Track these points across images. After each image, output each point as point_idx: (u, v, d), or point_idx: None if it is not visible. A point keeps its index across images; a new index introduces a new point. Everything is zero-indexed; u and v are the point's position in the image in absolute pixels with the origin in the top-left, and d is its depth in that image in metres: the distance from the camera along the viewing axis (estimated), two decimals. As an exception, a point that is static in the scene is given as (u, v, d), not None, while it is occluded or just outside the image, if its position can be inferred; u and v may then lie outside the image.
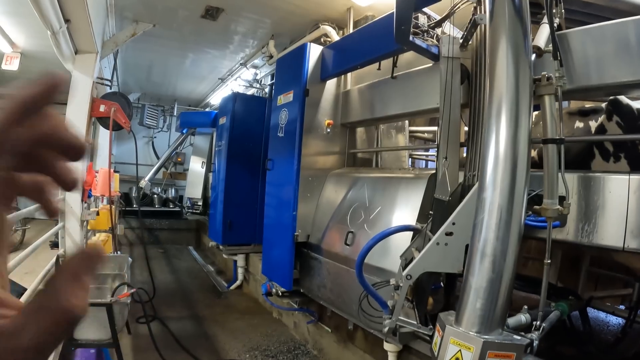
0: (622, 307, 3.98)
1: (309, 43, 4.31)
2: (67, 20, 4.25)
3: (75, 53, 5.24)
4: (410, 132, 5.01)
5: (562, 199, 2.11)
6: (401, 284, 2.29)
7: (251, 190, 6.20)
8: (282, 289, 4.25)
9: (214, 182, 6.96)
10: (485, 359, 1.56)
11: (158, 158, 10.49)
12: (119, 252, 5.13)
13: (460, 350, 1.62)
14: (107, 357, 3.26)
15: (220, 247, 6.28)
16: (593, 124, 2.94)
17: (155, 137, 11.70)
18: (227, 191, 6.23)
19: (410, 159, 5.53)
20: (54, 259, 3.97)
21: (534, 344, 1.72)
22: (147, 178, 9.46)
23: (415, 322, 2.41)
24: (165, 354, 3.66)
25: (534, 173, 2.14)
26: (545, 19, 2.41)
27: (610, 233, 2.08)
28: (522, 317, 2.04)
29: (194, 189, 8.43)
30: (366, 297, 2.85)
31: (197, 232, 9.60)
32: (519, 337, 1.65)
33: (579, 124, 3.08)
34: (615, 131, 2.62)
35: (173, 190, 10.57)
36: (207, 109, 10.06)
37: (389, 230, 2.66)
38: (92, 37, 4.85)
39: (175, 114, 11.23)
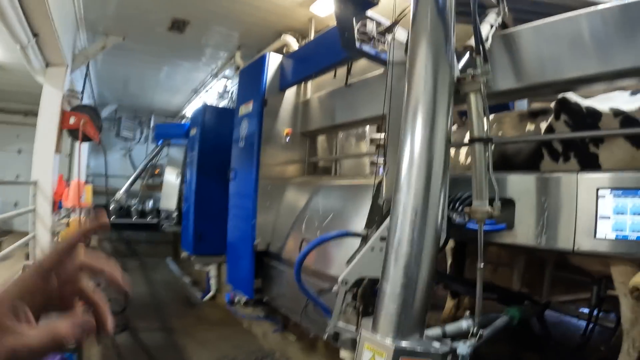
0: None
1: (268, 53, 4.37)
2: (35, 35, 4.30)
3: (46, 66, 5.26)
4: (375, 139, 5.04)
5: (509, 202, 2.11)
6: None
7: (221, 201, 6.15)
8: (245, 298, 4.25)
9: (186, 193, 6.96)
10: None
11: (135, 170, 10.43)
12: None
13: (373, 355, 1.63)
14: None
15: (192, 257, 6.25)
16: (544, 125, 2.91)
17: (132, 149, 11.66)
18: (197, 202, 6.23)
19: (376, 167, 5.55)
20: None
21: (462, 351, 1.71)
22: (122, 190, 9.40)
23: (353, 328, 2.40)
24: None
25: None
26: (488, 18, 2.43)
27: (560, 234, 2.02)
28: (464, 323, 2.03)
29: (169, 200, 8.36)
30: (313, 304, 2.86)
31: (174, 244, 9.51)
32: (437, 345, 1.65)
33: (530, 126, 3.06)
34: (563, 130, 2.52)
35: (151, 202, 10.48)
36: (182, 120, 10.05)
37: (328, 236, 2.68)
38: (61, 51, 4.91)
39: (152, 125, 11.22)
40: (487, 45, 2.23)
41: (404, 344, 1.60)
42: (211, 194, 6.21)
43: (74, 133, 5.80)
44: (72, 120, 5.65)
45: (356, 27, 2.82)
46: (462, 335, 1.92)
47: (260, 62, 4.38)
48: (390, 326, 1.66)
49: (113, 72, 7.94)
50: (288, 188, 4.30)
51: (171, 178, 8.50)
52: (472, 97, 2.02)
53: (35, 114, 5.44)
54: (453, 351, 1.69)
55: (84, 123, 5.70)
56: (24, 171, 9.35)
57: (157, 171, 10.64)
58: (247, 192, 4.41)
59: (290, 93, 4.42)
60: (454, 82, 1.94)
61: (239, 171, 4.66)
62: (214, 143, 6.18)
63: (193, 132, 6.57)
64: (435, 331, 1.94)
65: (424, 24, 1.94)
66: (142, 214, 10.16)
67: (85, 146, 7.85)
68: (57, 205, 5.60)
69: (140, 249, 9.20)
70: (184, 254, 6.56)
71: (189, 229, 6.36)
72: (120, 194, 9.36)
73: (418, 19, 1.98)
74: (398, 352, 1.57)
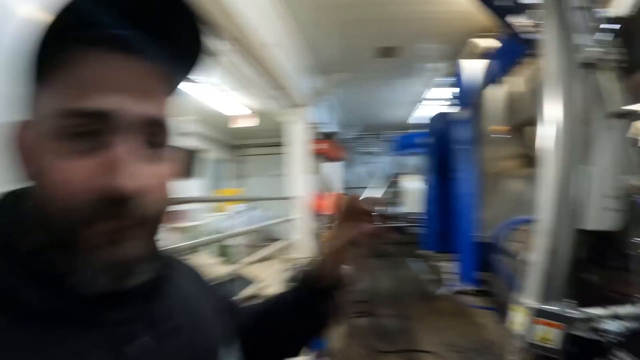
0: None
1: (459, 61, 4.65)
2: (278, 89, 5.70)
3: (292, 107, 6.77)
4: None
5: None
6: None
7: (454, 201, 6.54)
8: (469, 288, 4.57)
9: (425, 197, 7.56)
10: (533, 324, 1.79)
11: (380, 180, 11.65)
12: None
13: (518, 314, 1.87)
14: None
15: (431, 255, 6.81)
16: None
17: (376, 162, 13.04)
18: (432, 204, 6.75)
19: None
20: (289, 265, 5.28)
21: (610, 327, 1.74)
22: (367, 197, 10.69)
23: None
24: (368, 341, 4.49)
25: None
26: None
27: None
28: (635, 308, 1.99)
29: (412, 204, 9.15)
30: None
31: (417, 244, 10.21)
32: (572, 311, 1.77)
33: None
34: None
35: (397, 208, 11.52)
36: (413, 130, 10.76)
37: (523, 219, 2.83)
38: (301, 95, 6.23)
39: (389, 138, 12.25)
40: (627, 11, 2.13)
41: (541, 305, 1.81)
42: (445, 195, 6.63)
43: (322, 156, 7.15)
44: (319, 146, 7.02)
45: (521, 23, 2.91)
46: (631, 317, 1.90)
47: (457, 71, 4.71)
48: (533, 291, 1.86)
49: (347, 99, 9.27)
50: (504, 181, 4.44)
51: (412, 184, 9.29)
52: (604, 75, 1.97)
53: (289, 144, 7.02)
54: (589, 320, 1.75)
55: (329, 147, 6.98)
56: (285, 190, 11.52)
57: (398, 179, 11.65)
58: (468, 190, 4.79)
59: (494, 91, 4.55)
60: (581, 61, 1.96)
61: (462, 171, 5.05)
62: (442, 147, 6.60)
63: (425, 140, 7.18)
64: (606, 311, 1.98)
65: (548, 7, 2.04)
66: (391, 218, 11.31)
67: (335, 165, 9.39)
68: (315, 214, 6.98)
69: (388, 249, 10.26)
70: (424, 252, 7.18)
71: (427, 228, 6.97)
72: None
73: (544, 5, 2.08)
74: (534, 311, 1.79)
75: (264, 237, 8.88)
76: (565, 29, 2.01)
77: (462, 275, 4.89)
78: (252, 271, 4.31)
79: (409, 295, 6.73)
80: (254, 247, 8.45)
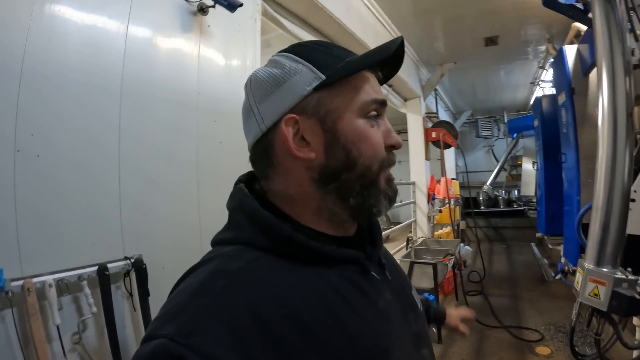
0: None
1: (564, 47, 4.69)
2: (390, 86, 6.25)
3: (405, 101, 7.27)
4: None
5: None
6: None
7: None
8: (573, 267, 4.68)
9: (538, 179, 7.52)
10: (587, 281, 2.17)
11: (498, 163, 11.49)
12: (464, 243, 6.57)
13: (579, 275, 2.24)
14: (432, 300, 4.67)
15: (545, 237, 6.81)
16: None
17: (494, 145, 12.78)
18: (545, 186, 6.76)
19: None
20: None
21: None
22: (488, 182, 10.68)
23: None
24: (477, 317, 4.81)
25: None
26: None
27: None
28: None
29: (527, 187, 9.03)
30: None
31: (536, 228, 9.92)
32: (619, 274, 2.10)
33: None
34: None
35: (516, 191, 11.29)
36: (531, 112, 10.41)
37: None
38: (411, 89, 6.72)
39: (505, 121, 11.94)
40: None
41: (595, 268, 2.16)
42: (557, 177, 6.59)
43: (436, 143, 7.51)
44: (433, 135, 7.40)
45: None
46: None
47: (560, 56, 4.76)
48: (593, 257, 2.20)
49: (459, 86, 9.43)
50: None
51: (528, 166, 9.15)
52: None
53: (406, 131, 7.50)
54: (624, 280, 2.05)
55: (442, 135, 7.32)
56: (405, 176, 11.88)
57: (519, 162, 11.38)
58: (572, 172, 4.86)
59: (594, 75, 4.56)
60: (629, 52, 2.18)
61: (566, 154, 5.12)
62: (552, 130, 6.56)
63: (535, 122, 7.13)
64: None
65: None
66: (509, 202, 11.14)
67: (450, 151, 9.60)
68: (431, 198, 7.40)
69: (506, 233, 10.17)
70: (538, 235, 7.17)
71: (541, 211, 6.97)
72: (486, 185, 10.69)
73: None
74: (588, 272, 2.16)
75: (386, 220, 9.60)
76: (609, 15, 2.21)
77: (567, 254, 5.01)
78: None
79: (523, 277, 6.84)
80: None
